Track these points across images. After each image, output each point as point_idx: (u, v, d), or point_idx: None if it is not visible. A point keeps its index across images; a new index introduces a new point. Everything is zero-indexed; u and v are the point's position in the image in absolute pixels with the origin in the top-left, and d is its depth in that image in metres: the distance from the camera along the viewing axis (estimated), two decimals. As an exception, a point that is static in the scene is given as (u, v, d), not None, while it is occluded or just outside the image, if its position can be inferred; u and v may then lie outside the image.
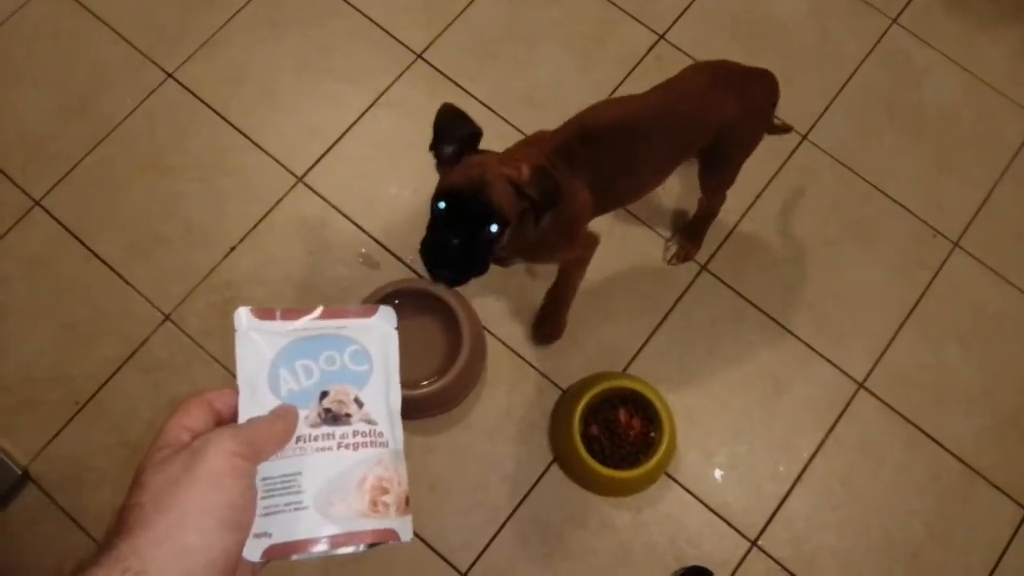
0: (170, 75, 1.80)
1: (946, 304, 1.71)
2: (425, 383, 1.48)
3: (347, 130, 1.77)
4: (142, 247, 1.66)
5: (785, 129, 1.52)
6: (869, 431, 1.61)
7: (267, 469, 0.49)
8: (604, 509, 1.54)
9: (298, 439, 0.51)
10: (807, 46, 1.91)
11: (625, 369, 1.62)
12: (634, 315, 1.65)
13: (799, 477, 1.58)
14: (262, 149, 1.74)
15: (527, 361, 1.61)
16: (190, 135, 1.75)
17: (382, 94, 1.80)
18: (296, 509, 0.49)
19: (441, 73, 1.82)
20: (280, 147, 1.75)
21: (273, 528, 0.48)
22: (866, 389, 1.64)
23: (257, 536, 0.48)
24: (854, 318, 1.69)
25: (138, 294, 1.62)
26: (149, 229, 1.68)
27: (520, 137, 1.75)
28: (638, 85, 1.79)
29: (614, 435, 1.51)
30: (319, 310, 0.56)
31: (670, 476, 1.56)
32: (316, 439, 0.51)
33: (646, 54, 1.86)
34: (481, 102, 1.80)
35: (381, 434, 0.53)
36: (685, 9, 1.90)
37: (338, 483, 0.50)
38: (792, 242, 1.74)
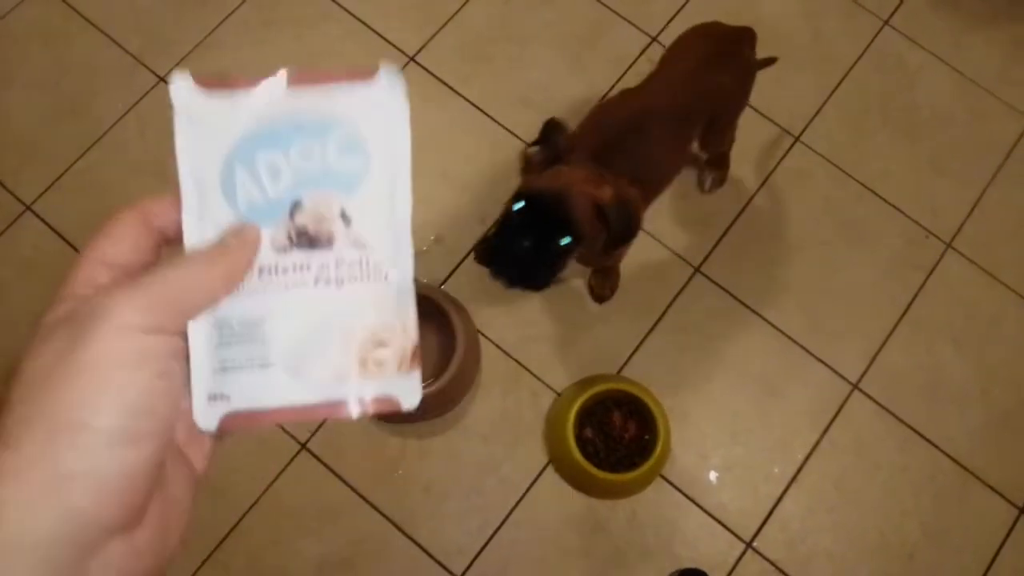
0: (162, 78, 1.79)
1: (939, 305, 1.72)
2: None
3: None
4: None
5: (769, 62, 1.52)
6: (863, 432, 1.62)
7: (223, 309, 0.36)
8: (599, 512, 1.53)
9: (261, 271, 0.36)
10: (799, 48, 1.91)
11: (619, 372, 1.62)
12: (628, 317, 1.65)
13: (794, 478, 1.58)
14: (254, 152, 1.74)
15: (521, 364, 1.61)
16: (182, 139, 1.74)
17: (375, 97, 1.80)
18: (260, 366, 0.36)
19: (434, 76, 1.82)
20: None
21: (231, 389, 0.36)
22: (860, 390, 1.64)
23: (212, 399, 0.36)
24: (847, 319, 1.69)
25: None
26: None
27: (512, 138, 1.76)
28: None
29: (609, 438, 1.51)
30: (284, 72, 0.37)
31: (665, 478, 1.56)
32: (285, 271, 0.36)
33: (639, 56, 1.86)
34: (474, 104, 1.80)
35: (378, 263, 0.38)
36: (678, 11, 1.90)
37: (315, 333, 0.37)
38: (785, 244, 1.74)
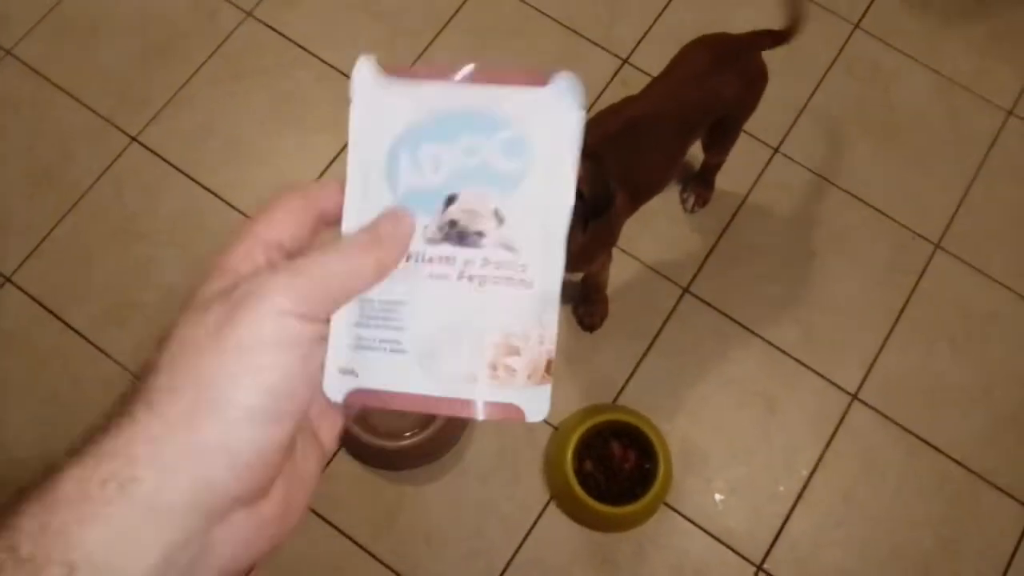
0: (134, 138, 1.78)
1: (933, 307, 1.70)
2: (409, 433, 1.46)
3: (317, 179, 1.75)
4: (118, 315, 1.64)
5: (780, 38, 1.47)
6: (867, 443, 1.59)
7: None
8: (605, 546, 1.51)
9: (408, 256, 0.36)
10: (770, 58, 1.89)
11: (615, 400, 1.60)
12: (619, 344, 1.63)
13: (800, 496, 1.56)
14: (232, 206, 1.73)
15: (515, 400, 1.58)
16: (159, 198, 1.73)
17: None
18: (392, 351, 0.36)
19: (407, 114, 1.81)
20: (251, 202, 1.73)
21: (362, 367, 0.36)
22: (860, 400, 1.62)
23: (343, 372, 0.36)
24: (841, 329, 1.67)
25: (116, 363, 1.60)
26: (124, 296, 1.65)
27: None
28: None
29: (609, 469, 1.49)
30: (470, 67, 0.38)
31: (669, 506, 1.53)
32: (431, 261, 0.36)
33: (611, 79, 1.86)
34: (450, 141, 1.79)
35: (524, 267, 0.37)
36: (646, 32, 1.89)
37: (451, 328, 0.36)
38: (773, 257, 1.72)
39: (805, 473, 1.57)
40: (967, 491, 1.57)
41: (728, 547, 1.52)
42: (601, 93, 1.84)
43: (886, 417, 1.61)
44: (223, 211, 1.72)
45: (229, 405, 0.31)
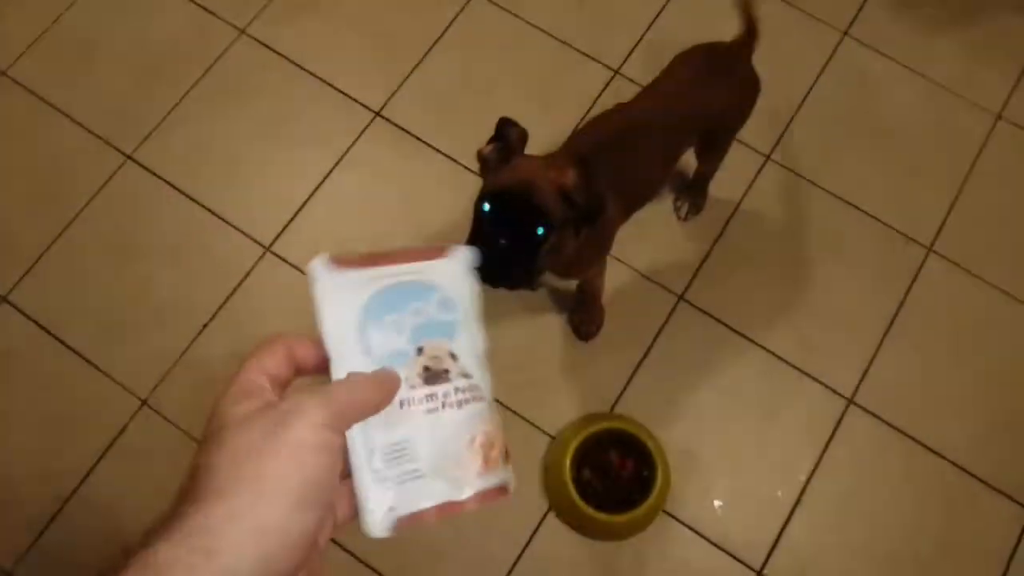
0: (129, 157, 1.79)
1: (927, 310, 1.71)
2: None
3: (311, 195, 1.76)
4: (114, 333, 1.64)
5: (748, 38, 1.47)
6: (864, 447, 1.60)
7: (375, 439, 0.46)
8: (605, 555, 1.51)
9: (402, 403, 0.47)
10: (760, 66, 1.91)
11: (612, 409, 1.60)
12: (615, 353, 1.64)
13: (798, 501, 1.56)
14: (228, 223, 1.73)
15: (512, 410, 1.59)
16: (154, 216, 1.74)
17: (344, 155, 1.80)
18: (415, 478, 0.46)
19: (402, 129, 1.82)
20: (245, 219, 1.74)
21: (395, 500, 0.45)
22: (856, 404, 1.62)
23: (386, 511, 0.45)
24: (836, 334, 1.68)
25: (113, 382, 1.60)
26: (120, 315, 1.66)
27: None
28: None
29: (607, 478, 1.49)
30: (395, 251, 0.50)
31: (668, 513, 1.53)
32: (421, 401, 0.47)
33: (603, 90, 1.87)
34: (444, 154, 1.80)
35: (478, 387, 0.50)
36: (636, 44, 1.91)
37: (450, 445, 0.47)
38: (766, 264, 1.73)
39: (803, 479, 1.57)
40: (964, 494, 1.57)
41: (728, 553, 1.52)
42: (592, 105, 1.85)
43: (883, 421, 1.61)
44: (216, 226, 1.73)
45: (283, 494, 0.40)
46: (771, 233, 1.76)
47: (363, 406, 0.45)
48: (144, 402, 1.59)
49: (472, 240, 1.15)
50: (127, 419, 1.58)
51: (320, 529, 0.43)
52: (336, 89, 1.86)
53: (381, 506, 0.45)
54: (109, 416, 1.58)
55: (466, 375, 0.49)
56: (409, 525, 0.46)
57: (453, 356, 0.49)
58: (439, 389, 0.48)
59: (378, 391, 0.46)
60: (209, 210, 1.74)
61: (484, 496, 0.48)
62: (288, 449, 0.41)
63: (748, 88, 1.47)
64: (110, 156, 1.79)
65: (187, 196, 1.75)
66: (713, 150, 1.58)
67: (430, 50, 1.90)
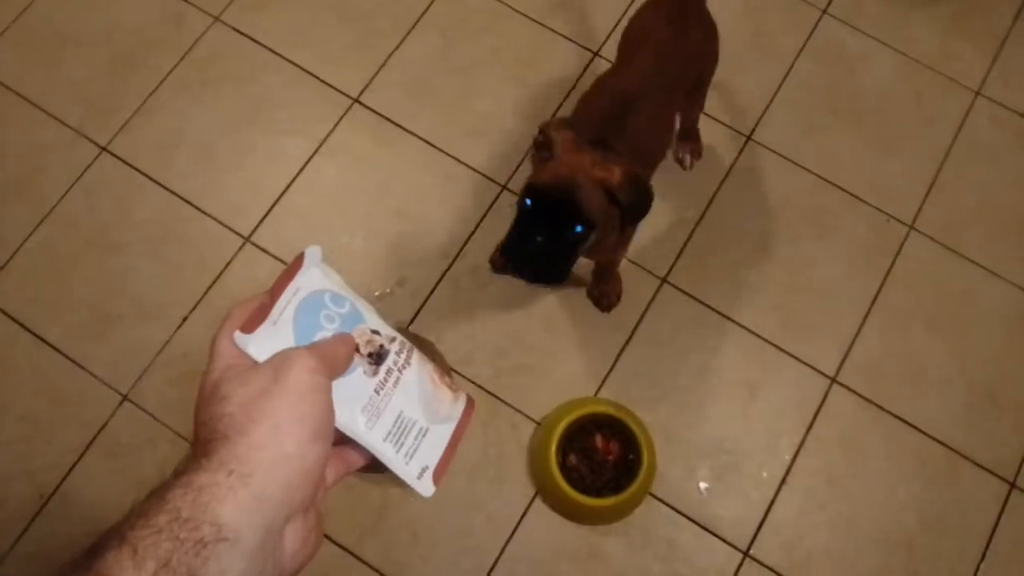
0: (104, 148, 1.76)
1: (908, 288, 1.71)
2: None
3: (290, 183, 1.74)
4: (93, 328, 1.62)
5: None
6: (848, 425, 1.61)
7: (380, 428, 0.52)
8: (592, 539, 1.51)
9: (377, 390, 0.53)
10: (742, 45, 1.91)
11: (596, 393, 1.60)
12: (599, 337, 1.64)
13: (783, 480, 1.57)
14: (206, 213, 1.71)
15: (498, 397, 1.59)
16: (131, 207, 1.72)
17: (323, 143, 1.78)
18: (423, 435, 0.54)
19: (380, 115, 1.81)
20: (224, 209, 1.72)
21: (423, 459, 0.54)
22: (839, 383, 1.63)
23: (420, 476, 0.54)
24: (818, 313, 1.68)
25: (94, 377, 1.58)
26: (99, 308, 1.64)
27: (467, 170, 1.74)
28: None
29: (593, 462, 1.49)
30: (273, 286, 0.55)
31: (655, 496, 1.54)
32: (385, 380, 0.54)
33: (583, 73, 1.86)
34: (424, 139, 1.78)
35: (404, 342, 0.57)
36: (616, 24, 1.90)
37: (427, 395, 0.56)
38: (748, 244, 1.73)
39: (788, 458, 1.58)
40: (947, 468, 1.59)
41: (714, 535, 1.53)
42: (572, 87, 1.84)
43: (865, 399, 1.62)
44: (195, 217, 1.71)
45: (297, 425, 0.45)
46: (752, 213, 1.76)
47: (335, 357, 0.51)
48: (125, 397, 1.57)
49: (511, 233, 1.16)
50: (109, 414, 1.56)
51: (328, 460, 0.48)
52: (313, 76, 1.84)
53: (421, 472, 0.54)
54: (90, 411, 1.57)
55: (392, 339, 0.56)
56: (443, 471, 0.55)
57: (374, 331, 0.55)
58: (389, 363, 0.55)
59: (343, 345, 0.52)
60: (187, 201, 1.72)
61: (466, 413, 0.59)
62: (292, 390, 0.46)
63: (712, 27, 1.50)
64: (85, 148, 1.77)
65: (164, 187, 1.73)
66: (696, 95, 1.60)
67: (408, 34, 1.88)
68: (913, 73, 1.90)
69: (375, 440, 0.52)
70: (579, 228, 1.12)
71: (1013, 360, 1.67)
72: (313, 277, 0.56)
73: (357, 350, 0.53)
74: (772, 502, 1.56)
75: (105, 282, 1.66)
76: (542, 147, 1.18)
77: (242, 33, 1.87)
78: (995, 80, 1.90)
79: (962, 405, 1.63)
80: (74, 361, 1.60)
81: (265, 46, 1.86)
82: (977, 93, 1.89)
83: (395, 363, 0.55)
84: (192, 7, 1.89)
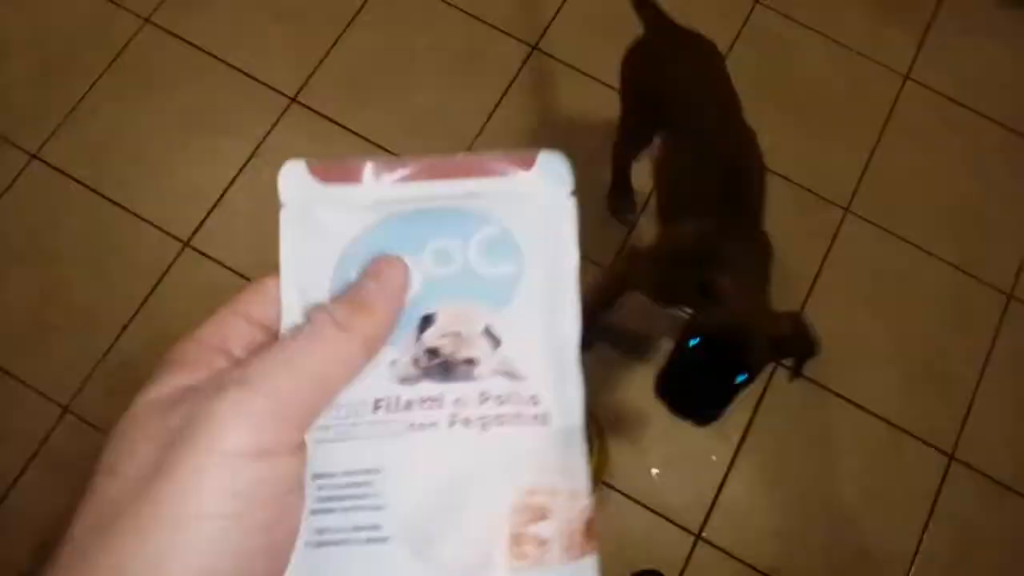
0: (34, 156, 1.72)
1: (846, 270, 1.75)
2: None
3: (229, 185, 1.72)
4: (28, 340, 1.58)
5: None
6: (793, 405, 1.64)
7: (320, 460, 0.27)
8: (546, 529, 1.52)
9: (377, 405, 0.27)
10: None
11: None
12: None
13: (732, 463, 1.60)
14: (142, 219, 1.68)
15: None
16: (65, 216, 1.68)
17: (261, 143, 1.76)
18: (370, 541, 0.26)
19: (318, 114, 1.79)
20: (161, 214, 1.69)
21: (329, 570, 0.26)
22: (783, 365, 1.66)
23: None
24: (761, 297, 1.71)
25: (32, 390, 1.54)
26: (33, 320, 1.60)
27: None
28: (519, 99, 1.79)
29: (545, 453, 1.50)
30: (426, 160, 0.30)
31: (607, 484, 1.55)
32: (410, 407, 0.27)
33: (522, 66, 1.86)
34: (364, 138, 1.77)
35: (535, 398, 0.28)
36: (554, 17, 1.90)
37: (449, 495, 0.26)
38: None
39: (736, 439, 1.61)
40: (889, 443, 1.63)
41: (667, 519, 1.55)
42: (511, 82, 1.84)
43: (808, 379, 1.66)
44: (131, 223, 1.67)
45: (193, 541, 0.23)
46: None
47: (333, 366, 0.27)
48: (66, 409, 1.54)
49: (671, 367, 1.16)
50: (50, 427, 1.53)
51: None
52: (249, 76, 1.81)
53: (295, 570, 0.26)
54: (31, 425, 1.53)
55: (513, 375, 0.28)
56: None
57: (492, 336, 0.29)
58: (451, 390, 0.28)
59: (361, 316, 0.27)
60: (122, 207, 1.69)
61: None
62: (164, 518, 0.23)
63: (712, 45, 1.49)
64: (13, 155, 1.72)
65: (98, 193, 1.69)
66: None
67: (344, 32, 1.87)
68: (844, 59, 1.94)
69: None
70: (742, 377, 1.14)
71: (948, 335, 1.72)
72: (515, 194, 0.30)
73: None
74: (722, 484, 1.58)
75: (38, 293, 1.62)
76: (707, 291, 1.17)
77: (174, 34, 1.84)
78: (923, 64, 1.95)
79: (901, 381, 1.68)
80: (12, 375, 1.55)
81: (198, 47, 1.83)
82: (906, 77, 1.93)
83: (459, 406, 0.28)
84: (122, 9, 1.85)
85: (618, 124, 1.52)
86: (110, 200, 1.69)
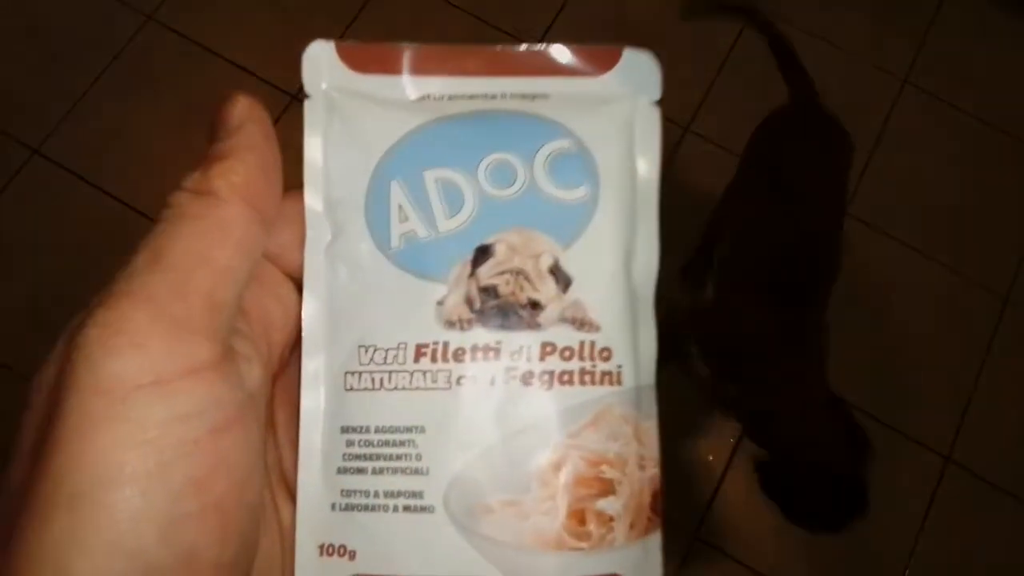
0: (36, 151, 1.72)
1: (845, 271, 1.76)
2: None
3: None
4: (28, 336, 1.58)
5: None
6: (790, 407, 1.65)
7: (349, 411, 0.23)
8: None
9: (421, 352, 0.23)
10: (677, 39, 1.94)
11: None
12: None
13: (729, 462, 1.60)
14: (144, 214, 1.68)
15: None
16: (67, 211, 1.68)
17: (263, 141, 1.76)
18: (408, 510, 0.23)
19: (320, 112, 1.79)
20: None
21: (358, 540, 0.23)
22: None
23: (325, 552, 0.23)
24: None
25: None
26: (38, 317, 1.59)
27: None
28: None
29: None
30: (482, 51, 0.26)
31: (605, 483, 1.56)
32: (460, 356, 0.23)
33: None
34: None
35: (608, 352, 0.24)
36: (554, 18, 1.91)
37: (501, 465, 0.23)
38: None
39: (732, 441, 1.62)
40: (884, 445, 1.63)
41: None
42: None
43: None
44: (134, 220, 1.68)
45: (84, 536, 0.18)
46: (686, 206, 1.79)
47: (212, 262, 0.21)
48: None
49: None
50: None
51: None
52: (251, 73, 1.82)
53: (315, 537, 0.23)
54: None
55: (585, 323, 0.24)
56: None
57: (560, 275, 0.24)
58: (509, 339, 0.23)
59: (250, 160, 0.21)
60: (124, 202, 1.69)
61: None
62: (74, 433, 0.19)
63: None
64: (15, 151, 1.72)
65: (100, 189, 1.70)
66: None
67: (346, 29, 1.87)
68: (843, 62, 1.95)
69: (306, 408, 0.24)
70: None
71: (944, 337, 1.73)
72: (591, 100, 0.26)
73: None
74: (719, 485, 1.59)
75: (43, 290, 1.62)
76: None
77: (176, 31, 1.84)
78: (921, 67, 1.96)
79: (896, 383, 1.69)
80: (10, 368, 1.56)
81: (200, 44, 1.84)
82: (904, 80, 1.94)
83: (518, 358, 0.24)
84: (124, 6, 1.85)
85: (724, 192, 1.51)
86: (112, 195, 1.69)
